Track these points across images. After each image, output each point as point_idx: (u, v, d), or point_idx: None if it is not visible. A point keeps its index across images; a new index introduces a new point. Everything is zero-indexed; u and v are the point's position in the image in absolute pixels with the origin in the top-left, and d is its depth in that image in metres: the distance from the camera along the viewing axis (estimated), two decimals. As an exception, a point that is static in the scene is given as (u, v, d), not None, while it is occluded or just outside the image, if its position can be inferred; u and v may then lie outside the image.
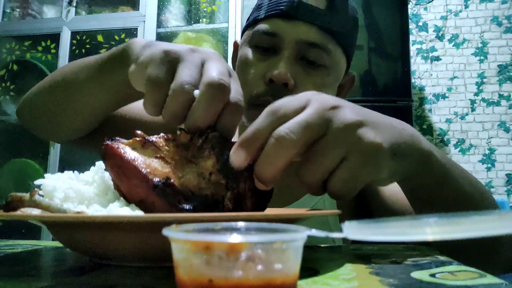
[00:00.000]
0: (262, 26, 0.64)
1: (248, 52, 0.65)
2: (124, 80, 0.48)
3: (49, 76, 0.67)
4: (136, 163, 0.35)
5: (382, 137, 0.37)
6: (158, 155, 0.36)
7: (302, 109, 0.36)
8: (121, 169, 0.35)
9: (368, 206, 0.68)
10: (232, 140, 0.40)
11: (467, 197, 0.48)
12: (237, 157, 0.36)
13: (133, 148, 0.36)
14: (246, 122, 0.65)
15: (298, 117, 0.35)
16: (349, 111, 0.37)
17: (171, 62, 0.40)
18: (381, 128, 0.38)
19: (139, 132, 0.37)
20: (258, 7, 0.67)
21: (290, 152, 0.34)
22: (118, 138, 0.37)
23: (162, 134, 0.38)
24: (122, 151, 0.36)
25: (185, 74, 0.38)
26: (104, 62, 0.53)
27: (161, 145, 0.37)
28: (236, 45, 0.74)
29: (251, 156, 0.36)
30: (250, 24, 0.68)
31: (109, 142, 0.36)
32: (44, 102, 0.66)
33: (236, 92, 0.40)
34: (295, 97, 0.37)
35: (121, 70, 0.48)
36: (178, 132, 0.38)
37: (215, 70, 0.39)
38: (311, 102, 0.36)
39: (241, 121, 0.69)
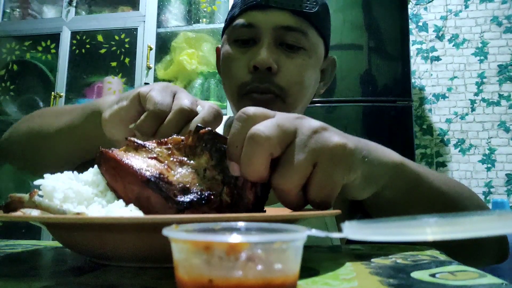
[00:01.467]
0: (239, 21, 0.68)
1: (229, 49, 0.69)
2: (95, 133, 0.53)
3: (24, 122, 0.71)
4: (129, 161, 0.36)
5: (346, 139, 0.39)
6: (152, 156, 0.37)
7: (271, 117, 0.39)
8: (115, 171, 0.36)
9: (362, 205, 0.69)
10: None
11: (444, 196, 0.51)
12: (232, 169, 0.38)
13: (127, 152, 0.37)
14: (237, 112, 0.68)
15: (269, 120, 0.38)
16: (313, 120, 0.40)
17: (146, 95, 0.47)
18: (346, 135, 0.41)
19: (131, 138, 0.38)
20: (232, 7, 0.72)
21: (265, 149, 0.36)
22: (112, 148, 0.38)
23: (153, 140, 0.39)
24: (116, 154, 0.37)
25: (158, 99, 0.45)
26: (77, 116, 0.58)
27: (153, 147, 0.38)
28: (218, 50, 0.77)
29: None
30: (227, 24, 0.71)
31: (103, 149, 0.37)
32: (22, 150, 0.69)
33: (206, 112, 0.45)
34: (263, 109, 0.40)
35: (93, 124, 0.54)
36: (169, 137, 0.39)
37: (183, 98, 0.46)
38: (277, 114, 0.39)
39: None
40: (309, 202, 0.39)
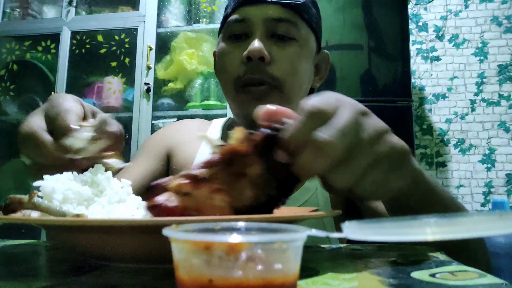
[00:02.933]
0: (232, 17, 0.70)
1: (223, 45, 0.71)
2: None
3: None
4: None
5: (404, 143, 0.38)
6: (214, 189, 0.34)
7: (335, 109, 0.36)
8: None
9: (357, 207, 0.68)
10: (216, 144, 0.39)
11: (450, 207, 0.50)
12: (280, 156, 0.36)
13: (184, 194, 0.33)
14: (236, 109, 0.72)
15: (335, 121, 0.35)
16: (377, 119, 0.38)
17: None
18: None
19: (184, 172, 0.35)
20: (226, 8, 0.75)
21: (329, 157, 0.34)
22: (154, 184, 0.35)
23: (200, 162, 0.35)
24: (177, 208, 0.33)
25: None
26: None
27: (210, 176, 0.34)
28: (215, 54, 0.78)
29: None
30: (222, 24, 0.74)
31: (161, 204, 0.33)
32: None
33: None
34: (324, 96, 0.37)
35: None
36: (216, 149, 0.36)
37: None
38: (343, 104, 0.36)
39: (234, 110, 0.74)
40: (355, 194, 0.38)
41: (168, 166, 0.78)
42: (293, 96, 0.69)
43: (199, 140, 0.76)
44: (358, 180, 0.36)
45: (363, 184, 0.36)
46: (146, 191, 0.35)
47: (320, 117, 0.35)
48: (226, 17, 0.73)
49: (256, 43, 0.66)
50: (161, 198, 0.33)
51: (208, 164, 0.34)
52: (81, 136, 0.42)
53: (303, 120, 0.35)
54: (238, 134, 0.36)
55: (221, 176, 0.34)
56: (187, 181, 0.34)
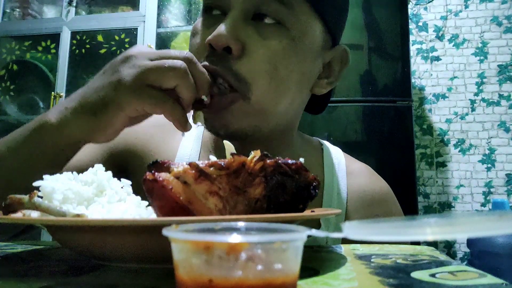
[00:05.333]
0: None
1: (198, 22, 0.56)
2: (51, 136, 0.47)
3: None
4: (194, 209, 0.34)
5: None
6: (212, 190, 0.34)
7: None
8: (173, 211, 0.34)
9: None
10: (233, 151, 0.39)
11: None
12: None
13: (184, 182, 0.34)
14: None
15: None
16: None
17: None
18: None
19: (193, 162, 0.34)
20: None
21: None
22: (160, 161, 0.35)
23: (214, 159, 0.35)
24: (178, 194, 0.33)
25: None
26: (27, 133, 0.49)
27: (214, 176, 0.34)
28: None
29: None
30: None
31: (161, 181, 0.33)
32: None
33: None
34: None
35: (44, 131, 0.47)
36: (230, 157, 0.36)
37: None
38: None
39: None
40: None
41: (120, 162, 0.65)
42: (267, 107, 0.53)
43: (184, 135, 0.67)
44: None
45: None
46: (150, 165, 0.35)
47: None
48: None
49: (223, 27, 0.49)
50: (161, 176, 0.34)
51: (217, 166, 0.35)
52: None
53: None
54: (254, 152, 0.36)
55: (224, 182, 0.35)
56: (193, 171, 0.34)
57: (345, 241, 0.61)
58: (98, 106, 0.46)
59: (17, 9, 2.60)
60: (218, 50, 0.50)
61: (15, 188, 0.38)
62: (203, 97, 0.49)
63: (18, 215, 0.35)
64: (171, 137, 0.67)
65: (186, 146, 0.66)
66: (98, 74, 0.50)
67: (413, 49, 2.72)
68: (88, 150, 0.62)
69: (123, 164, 0.65)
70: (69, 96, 0.51)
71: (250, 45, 0.51)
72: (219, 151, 0.61)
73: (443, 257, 0.37)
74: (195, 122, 0.49)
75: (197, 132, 0.68)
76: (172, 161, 0.36)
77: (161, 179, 0.33)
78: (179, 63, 0.45)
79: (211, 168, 0.35)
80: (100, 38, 2.41)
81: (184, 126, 0.47)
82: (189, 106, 0.47)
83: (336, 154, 0.70)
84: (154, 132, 0.67)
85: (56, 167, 0.47)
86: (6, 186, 0.47)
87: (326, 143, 0.73)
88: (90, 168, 0.40)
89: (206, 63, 0.50)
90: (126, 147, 0.65)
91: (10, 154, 0.50)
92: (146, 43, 2.25)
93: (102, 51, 2.40)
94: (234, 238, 0.20)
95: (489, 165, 2.61)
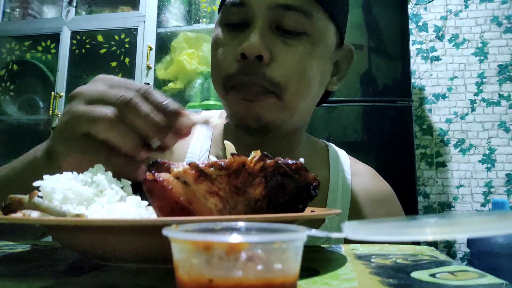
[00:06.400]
0: None
1: (219, 32, 0.59)
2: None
3: None
4: (194, 209, 0.33)
5: None
6: (212, 191, 0.34)
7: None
8: (174, 212, 0.34)
9: None
10: (233, 152, 0.39)
11: None
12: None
13: (184, 182, 0.34)
14: (225, 107, 0.61)
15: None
16: None
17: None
18: None
19: (193, 162, 0.34)
20: None
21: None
22: (160, 161, 0.35)
23: (215, 159, 0.36)
24: (179, 194, 0.33)
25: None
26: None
27: (214, 177, 0.34)
28: None
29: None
30: (221, 3, 0.62)
31: (161, 181, 0.33)
32: None
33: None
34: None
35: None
36: (231, 157, 0.36)
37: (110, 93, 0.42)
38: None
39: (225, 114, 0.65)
40: None
41: None
42: (295, 104, 0.58)
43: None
44: None
45: None
46: (150, 165, 0.35)
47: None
48: None
49: (253, 38, 0.53)
50: (161, 176, 0.34)
51: (217, 166, 0.35)
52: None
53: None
54: (254, 153, 0.36)
55: (224, 182, 0.35)
56: (193, 171, 0.34)
57: (346, 241, 0.61)
58: (48, 153, 0.44)
59: (17, 9, 2.60)
60: (251, 58, 0.53)
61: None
62: (153, 141, 0.42)
63: (18, 215, 0.35)
64: None
65: (196, 145, 0.68)
66: None
67: (413, 49, 2.73)
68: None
69: None
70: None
71: (277, 52, 0.55)
72: None
73: (443, 257, 0.37)
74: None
75: (207, 132, 0.70)
76: (182, 160, 0.36)
77: (161, 179, 0.33)
78: (108, 111, 0.40)
79: (211, 168, 0.35)
80: (100, 38, 2.41)
81: (135, 175, 0.41)
82: (137, 154, 0.42)
83: (342, 155, 0.72)
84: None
85: None
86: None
87: (332, 145, 0.75)
88: (90, 168, 0.40)
89: (243, 77, 0.54)
90: None
91: (24, 175, 0.48)
92: (146, 43, 2.25)
93: (102, 51, 2.40)
94: (234, 238, 0.20)
95: (489, 165, 2.61)
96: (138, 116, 0.40)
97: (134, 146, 0.41)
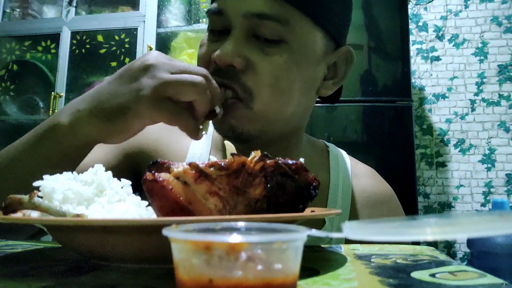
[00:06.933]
0: (211, 6, 0.58)
1: (205, 37, 0.60)
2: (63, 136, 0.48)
3: None
4: (194, 209, 0.34)
5: None
6: (212, 191, 0.34)
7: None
8: (174, 212, 0.34)
9: None
10: (233, 152, 0.39)
11: None
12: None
13: (184, 182, 0.34)
14: None
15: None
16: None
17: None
18: None
19: (193, 163, 0.35)
20: None
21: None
22: (160, 161, 0.35)
23: (215, 160, 0.36)
24: (178, 194, 0.33)
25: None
26: (39, 132, 0.50)
27: (214, 177, 0.35)
28: None
29: None
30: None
31: (160, 181, 0.33)
32: None
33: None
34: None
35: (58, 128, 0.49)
36: (231, 157, 0.36)
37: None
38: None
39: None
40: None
41: (131, 165, 0.67)
42: (268, 114, 0.56)
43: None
44: None
45: None
46: (150, 165, 0.35)
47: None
48: (212, 0, 0.60)
49: (225, 47, 0.53)
50: (161, 177, 0.34)
51: (217, 166, 0.35)
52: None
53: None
54: (254, 153, 0.37)
55: (224, 182, 0.35)
56: (193, 171, 0.34)
57: (347, 241, 0.61)
58: (115, 112, 0.47)
59: (17, 9, 2.60)
60: (222, 67, 0.54)
61: (28, 188, 0.38)
62: (216, 108, 0.52)
63: (18, 215, 0.35)
64: (182, 137, 0.69)
65: (197, 146, 0.69)
66: (113, 78, 0.50)
67: (413, 49, 2.72)
68: (102, 151, 0.65)
69: (136, 165, 0.67)
70: (79, 97, 0.51)
71: (253, 60, 0.54)
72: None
73: (443, 257, 0.37)
74: (202, 130, 0.52)
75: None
76: (183, 161, 0.36)
77: (161, 179, 0.33)
78: (199, 79, 0.47)
79: (211, 169, 0.35)
80: (100, 38, 2.40)
81: (195, 137, 0.50)
82: (202, 117, 0.50)
83: (342, 156, 0.72)
84: (165, 133, 0.69)
85: (69, 167, 0.47)
86: (20, 187, 0.45)
87: (332, 145, 0.75)
88: (90, 168, 0.40)
89: (215, 77, 0.54)
90: (139, 148, 0.67)
91: (24, 155, 0.51)
92: (146, 43, 2.25)
93: (102, 51, 2.40)
94: (234, 238, 0.20)
95: (489, 165, 2.61)
96: (213, 87, 0.49)
97: (208, 109, 0.50)
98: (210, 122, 0.56)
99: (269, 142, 0.60)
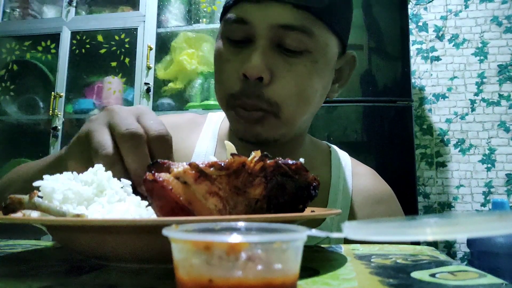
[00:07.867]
0: (231, 15, 0.57)
1: (221, 46, 0.60)
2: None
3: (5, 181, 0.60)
4: (193, 209, 0.33)
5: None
6: (212, 191, 0.34)
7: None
8: (173, 212, 0.34)
9: None
10: (233, 152, 0.39)
11: None
12: None
13: (184, 182, 0.34)
14: (229, 121, 0.63)
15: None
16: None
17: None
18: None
19: (193, 163, 0.34)
20: None
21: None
22: (160, 161, 0.35)
23: (215, 160, 0.36)
24: (178, 194, 0.33)
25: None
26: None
27: (214, 177, 0.35)
28: None
29: None
30: (222, 13, 0.61)
31: (160, 181, 0.33)
32: None
33: (153, 126, 0.43)
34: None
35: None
36: (231, 157, 0.36)
37: (121, 123, 0.42)
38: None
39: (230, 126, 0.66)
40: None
41: None
42: (294, 121, 0.59)
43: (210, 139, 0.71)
44: None
45: None
46: (150, 165, 0.35)
47: None
48: (227, 7, 0.59)
49: (255, 59, 0.54)
50: (161, 177, 0.34)
51: (217, 166, 0.35)
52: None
53: None
54: (254, 153, 0.37)
55: (224, 182, 0.35)
56: (192, 171, 0.34)
57: (346, 241, 0.61)
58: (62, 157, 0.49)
59: (17, 9, 2.60)
60: (252, 79, 0.54)
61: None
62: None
63: (18, 215, 0.35)
64: (188, 136, 0.70)
65: (203, 144, 0.69)
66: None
67: (413, 49, 2.73)
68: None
69: None
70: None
71: (278, 72, 0.55)
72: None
73: (443, 257, 0.37)
74: None
75: (213, 130, 0.72)
76: (189, 159, 0.36)
77: (161, 179, 0.33)
78: (109, 150, 0.42)
79: (211, 169, 0.35)
80: (100, 38, 2.41)
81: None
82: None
83: (343, 157, 0.73)
84: (171, 132, 0.68)
85: None
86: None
87: (334, 146, 0.76)
88: (90, 168, 0.39)
89: (245, 99, 0.56)
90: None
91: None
92: (146, 43, 2.25)
93: (102, 51, 2.40)
94: (234, 238, 0.20)
95: (489, 165, 2.61)
96: (133, 159, 0.42)
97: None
98: None
99: (280, 144, 0.62)
